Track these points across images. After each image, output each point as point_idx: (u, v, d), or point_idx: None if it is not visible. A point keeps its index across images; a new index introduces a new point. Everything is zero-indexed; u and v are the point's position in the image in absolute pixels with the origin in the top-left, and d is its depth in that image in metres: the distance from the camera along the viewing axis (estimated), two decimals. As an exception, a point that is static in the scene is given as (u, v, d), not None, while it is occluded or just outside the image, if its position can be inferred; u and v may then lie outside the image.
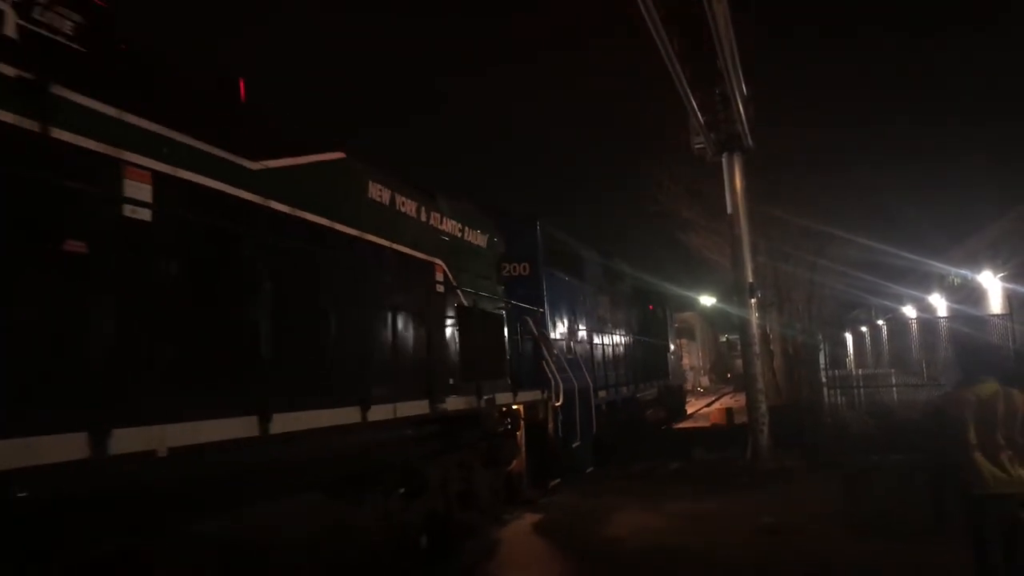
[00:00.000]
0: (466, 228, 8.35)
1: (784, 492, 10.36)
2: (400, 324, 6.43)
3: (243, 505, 4.32)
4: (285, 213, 5.25)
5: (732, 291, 13.93)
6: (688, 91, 11.31)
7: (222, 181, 4.72)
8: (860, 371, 23.23)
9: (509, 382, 8.81)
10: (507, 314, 9.26)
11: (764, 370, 13.96)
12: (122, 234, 3.86)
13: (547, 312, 11.52)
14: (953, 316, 22.29)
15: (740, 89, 12.03)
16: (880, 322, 27.06)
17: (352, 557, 5.33)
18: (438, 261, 7.49)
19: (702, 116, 12.37)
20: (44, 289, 3.44)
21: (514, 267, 11.08)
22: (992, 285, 20.62)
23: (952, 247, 25.12)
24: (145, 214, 4.07)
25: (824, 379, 16.18)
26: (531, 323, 10.09)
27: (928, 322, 20.64)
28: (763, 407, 12.65)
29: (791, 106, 16.95)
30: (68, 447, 3.20)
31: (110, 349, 3.57)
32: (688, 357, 38.51)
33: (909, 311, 29.59)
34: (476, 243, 8.66)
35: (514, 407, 9.09)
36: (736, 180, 13.08)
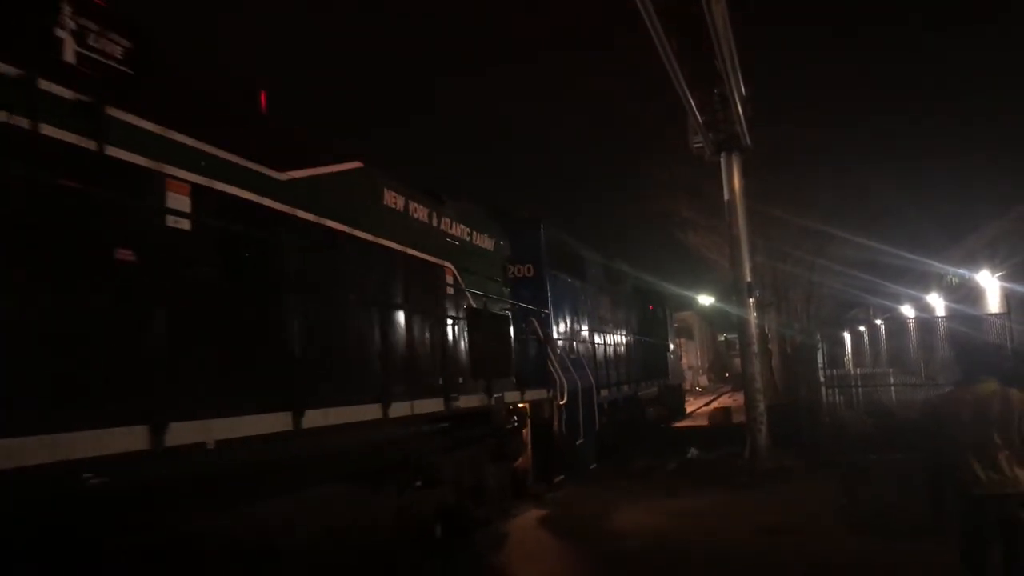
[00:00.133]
0: (474, 232, 8.74)
1: (783, 491, 10.53)
2: (415, 325, 6.82)
3: (278, 494, 4.71)
4: (310, 221, 5.62)
5: (730, 290, 14.03)
6: (686, 91, 11.42)
7: (253, 191, 5.10)
8: (858, 371, 23.55)
9: (515, 381, 9.21)
10: (513, 315, 9.66)
11: (762, 369, 13.92)
12: (166, 243, 4.23)
13: (551, 313, 11.89)
14: (951, 315, 22.56)
15: (739, 89, 12.17)
16: (878, 321, 27.37)
17: (374, 544, 5.73)
18: (448, 264, 7.87)
19: (701, 116, 12.50)
20: (104, 295, 3.82)
21: (518, 269, 11.39)
22: (990, 284, 20.87)
23: (950, 246, 25.35)
24: (185, 223, 4.46)
25: (822, 378, 16.50)
26: (536, 324, 10.49)
27: (926, 321, 20.82)
28: (761, 406, 12.80)
29: (790, 106, 17.12)
30: (131, 439, 3.59)
31: (163, 349, 3.94)
32: (686, 356, 38.87)
33: (907, 310, 29.89)
34: (483, 246, 9.05)
35: (520, 405, 9.48)
36: (734, 179, 13.23)
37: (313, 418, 4.82)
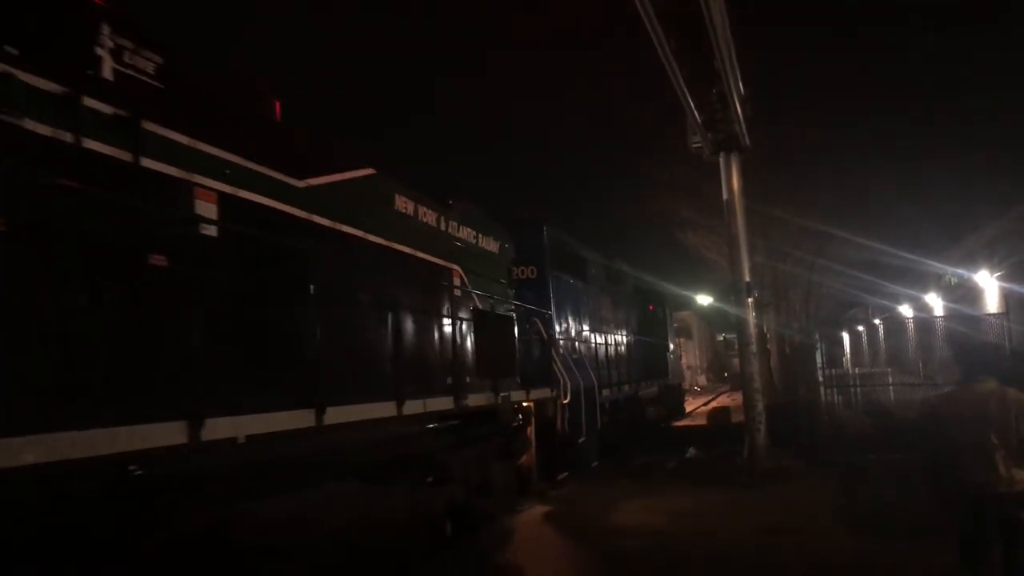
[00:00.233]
0: (479, 235, 9.04)
1: (782, 490, 10.67)
2: (425, 326, 7.13)
3: (303, 488, 5.01)
4: (326, 226, 5.92)
5: (729, 290, 14.08)
6: (685, 90, 11.42)
7: (275, 199, 5.39)
8: (857, 370, 23.63)
9: (519, 381, 9.51)
10: (517, 316, 9.96)
11: (761, 369, 14.00)
12: (196, 248, 4.51)
13: (553, 314, 12.19)
14: (950, 315, 22.66)
15: (737, 88, 12.24)
16: (877, 321, 27.55)
17: (389, 538, 6.04)
18: (455, 267, 8.17)
19: (699, 115, 12.56)
20: (143, 299, 4.10)
21: (521, 270, 11.68)
22: (988, 284, 21.13)
23: (949, 247, 25.58)
24: (212, 230, 4.74)
25: (821, 378, 16.55)
26: (540, 324, 10.81)
27: (925, 321, 20.94)
28: (760, 406, 12.87)
29: (790, 106, 17.28)
30: (171, 433, 3.88)
31: (197, 349, 4.22)
32: (685, 356, 39.17)
33: (906, 310, 30.17)
34: (489, 249, 9.35)
35: (525, 404, 9.79)
36: (733, 179, 13.29)
37: (334, 415, 5.12)
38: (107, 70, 4.27)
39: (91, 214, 3.86)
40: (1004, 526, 4.51)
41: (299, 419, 4.84)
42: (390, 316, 6.47)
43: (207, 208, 4.81)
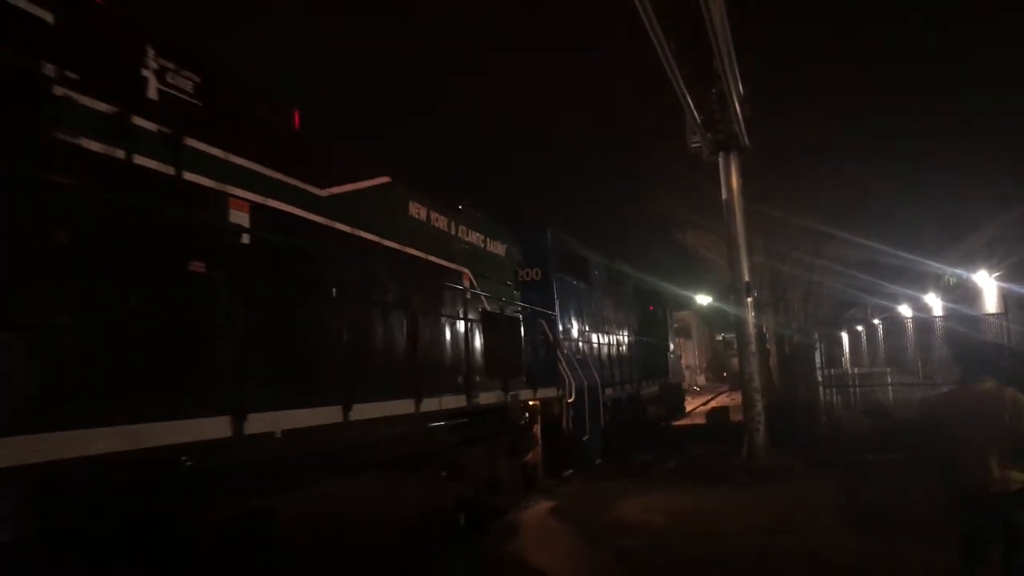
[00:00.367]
0: (487, 239, 9.46)
1: (782, 490, 10.81)
2: (439, 327, 7.55)
3: (333, 479, 5.43)
4: (347, 232, 6.31)
5: (729, 290, 14.27)
6: (684, 90, 11.58)
7: (300, 207, 5.77)
8: (856, 370, 23.98)
9: (524, 380, 9.92)
10: (523, 317, 10.38)
11: (760, 369, 14.14)
12: (234, 256, 4.90)
13: (557, 315, 12.58)
14: (948, 315, 23.03)
15: (737, 88, 12.42)
16: (876, 321, 27.89)
17: (411, 527, 6.47)
18: (465, 270, 8.58)
19: (699, 115, 12.75)
20: (190, 303, 4.49)
21: (526, 272, 12.03)
22: (987, 285, 21.41)
23: (948, 247, 25.84)
24: (245, 238, 5.13)
25: (820, 378, 16.82)
26: (545, 325, 11.22)
27: (924, 321, 21.24)
28: (759, 406, 12.98)
29: (790, 106, 17.38)
30: (218, 427, 4.26)
31: (240, 350, 4.61)
32: (684, 356, 39.54)
33: (905, 310, 30.52)
34: (496, 252, 9.78)
35: (532, 403, 10.20)
36: (732, 179, 13.48)
37: (359, 412, 5.52)
38: (152, 90, 4.65)
39: (142, 226, 4.24)
40: (1005, 526, 4.57)
41: (329, 415, 5.25)
42: (407, 318, 6.87)
43: (240, 216, 5.20)
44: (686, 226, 22.73)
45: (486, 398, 8.10)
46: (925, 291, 28.21)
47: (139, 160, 4.38)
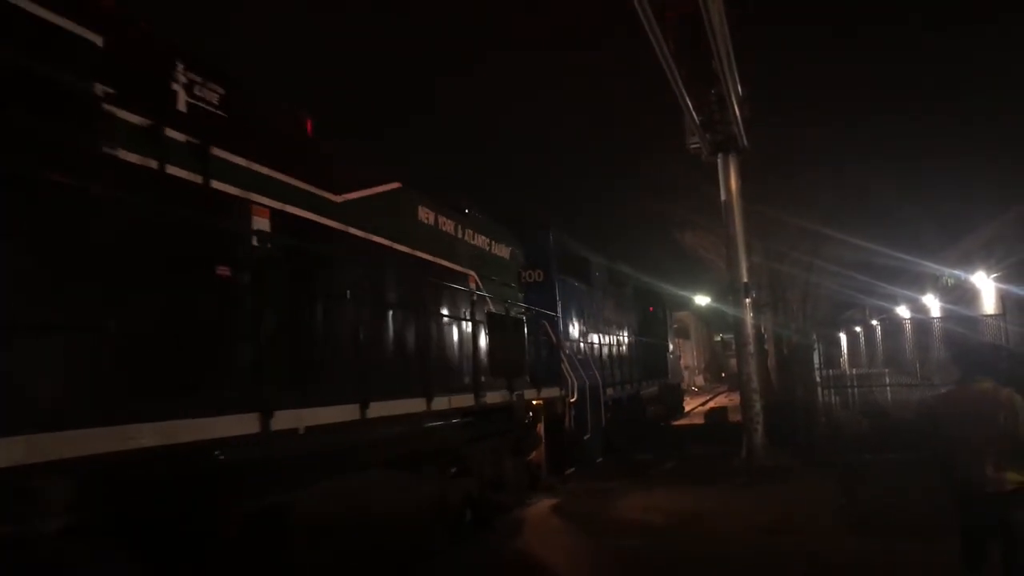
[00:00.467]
0: (492, 242, 9.79)
1: (781, 490, 10.97)
2: (447, 328, 7.87)
3: (351, 473, 5.74)
4: (361, 237, 6.61)
5: (727, 291, 14.38)
6: (683, 91, 11.65)
7: (317, 213, 6.07)
8: (854, 371, 24.10)
9: (528, 380, 10.24)
10: (526, 318, 10.70)
11: (759, 369, 14.25)
12: (259, 260, 5.19)
13: (560, 316, 12.89)
14: (947, 316, 23.22)
15: (736, 89, 12.43)
16: (874, 322, 28.09)
17: (422, 520, 6.79)
18: (471, 272, 8.91)
19: (698, 116, 12.83)
20: (219, 306, 4.79)
21: (529, 274, 12.30)
22: (985, 286, 21.76)
23: (946, 248, 26.18)
24: (267, 243, 5.42)
25: (818, 379, 16.91)
26: (547, 326, 11.55)
27: (922, 322, 21.39)
28: (758, 406, 13.06)
29: (790, 106, 17.54)
30: (248, 424, 4.56)
31: (264, 350, 4.91)
32: (683, 356, 39.86)
33: (903, 311, 30.85)
34: (500, 255, 10.12)
35: (535, 402, 10.52)
36: (731, 180, 13.60)
37: (375, 409, 5.83)
38: (181, 103, 4.95)
39: (175, 233, 4.54)
40: (1003, 526, 4.64)
41: (348, 412, 5.56)
42: (418, 319, 7.19)
43: (262, 222, 5.50)
44: (685, 226, 22.90)
45: (492, 397, 8.43)
46: (923, 292, 28.52)
47: (171, 170, 4.67)
